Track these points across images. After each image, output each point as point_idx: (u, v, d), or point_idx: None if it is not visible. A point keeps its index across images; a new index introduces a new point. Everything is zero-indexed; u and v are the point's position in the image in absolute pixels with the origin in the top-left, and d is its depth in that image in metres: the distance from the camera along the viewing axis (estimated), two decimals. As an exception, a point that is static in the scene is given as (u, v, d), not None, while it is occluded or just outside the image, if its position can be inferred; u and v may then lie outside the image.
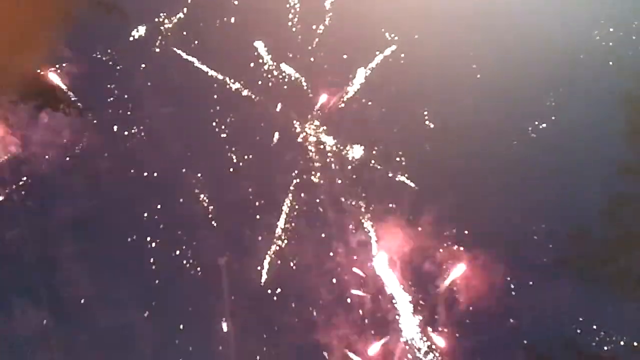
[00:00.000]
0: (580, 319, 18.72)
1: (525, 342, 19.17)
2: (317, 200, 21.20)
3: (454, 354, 19.60)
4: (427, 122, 20.36)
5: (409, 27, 19.79)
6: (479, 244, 19.49)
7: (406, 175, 20.78)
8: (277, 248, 20.66)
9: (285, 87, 21.30)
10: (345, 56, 20.67)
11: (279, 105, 21.30)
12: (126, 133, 20.13)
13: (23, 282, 18.57)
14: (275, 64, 21.22)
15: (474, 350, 19.42)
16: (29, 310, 18.47)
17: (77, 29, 17.11)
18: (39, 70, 16.19)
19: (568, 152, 18.27)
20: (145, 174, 20.29)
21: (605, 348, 18.44)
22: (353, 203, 21.12)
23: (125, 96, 20.15)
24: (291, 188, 21.16)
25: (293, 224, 20.99)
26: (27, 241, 18.23)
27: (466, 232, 19.66)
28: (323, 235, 20.86)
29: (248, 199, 20.88)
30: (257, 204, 20.84)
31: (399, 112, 20.49)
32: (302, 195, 21.10)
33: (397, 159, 20.89)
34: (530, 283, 19.18)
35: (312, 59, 21.10)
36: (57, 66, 17.67)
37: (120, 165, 19.89)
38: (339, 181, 21.17)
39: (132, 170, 20.09)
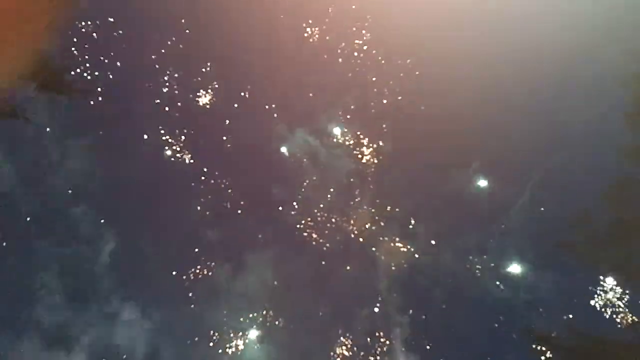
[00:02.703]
0: (582, 303, 18.73)
1: (526, 326, 19.27)
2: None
3: (455, 340, 19.76)
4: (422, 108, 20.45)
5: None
6: (481, 230, 19.57)
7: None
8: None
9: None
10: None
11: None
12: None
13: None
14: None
15: (476, 335, 19.57)
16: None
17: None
18: (40, 51, 16.24)
19: (570, 135, 18.06)
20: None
21: (607, 331, 18.42)
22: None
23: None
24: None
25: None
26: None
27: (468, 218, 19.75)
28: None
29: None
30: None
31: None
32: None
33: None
34: (532, 268, 19.21)
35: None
36: (60, 46, 17.73)
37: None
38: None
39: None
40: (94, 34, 19.61)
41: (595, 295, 18.91)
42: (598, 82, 17.06)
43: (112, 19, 19.68)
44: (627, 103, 16.52)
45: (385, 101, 21.30)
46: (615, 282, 18.04)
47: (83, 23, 19.26)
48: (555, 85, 18.08)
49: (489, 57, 18.03)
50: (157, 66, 20.60)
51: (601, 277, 18.25)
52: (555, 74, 17.82)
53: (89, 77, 19.07)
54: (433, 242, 20.37)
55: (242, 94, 21.13)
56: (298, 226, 21.56)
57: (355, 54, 21.09)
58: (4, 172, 17.73)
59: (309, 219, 21.44)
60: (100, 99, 19.36)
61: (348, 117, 21.78)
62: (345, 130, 21.72)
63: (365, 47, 20.97)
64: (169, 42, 20.66)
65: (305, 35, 21.12)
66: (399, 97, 20.85)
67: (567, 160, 18.53)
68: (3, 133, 17.75)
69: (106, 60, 19.97)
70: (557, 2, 17.55)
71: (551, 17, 17.30)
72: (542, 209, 19.01)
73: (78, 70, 18.61)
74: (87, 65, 19.26)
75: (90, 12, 19.26)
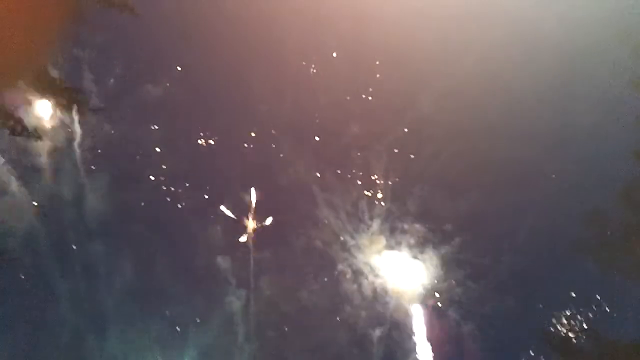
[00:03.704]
0: (598, 304, 18.69)
1: (543, 327, 19.16)
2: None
3: (473, 338, 19.67)
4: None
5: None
6: (499, 230, 19.58)
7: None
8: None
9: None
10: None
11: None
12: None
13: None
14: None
15: (491, 336, 19.49)
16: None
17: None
18: (51, 70, 16.09)
19: (584, 136, 18.13)
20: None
21: (623, 333, 18.32)
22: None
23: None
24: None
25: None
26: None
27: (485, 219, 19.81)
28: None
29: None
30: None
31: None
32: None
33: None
34: (549, 269, 19.21)
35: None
36: (70, 66, 17.63)
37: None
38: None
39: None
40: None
41: (607, 297, 18.87)
42: (610, 83, 17.15)
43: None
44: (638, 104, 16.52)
45: (396, 150, 21.48)
46: (627, 283, 17.98)
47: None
48: (566, 86, 18.22)
49: (502, 65, 18.21)
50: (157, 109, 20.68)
51: (614, 278, 18.22)
52: (567, 76, 17.93)
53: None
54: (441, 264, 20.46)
55: (250, 133, 21.24)
56: (307, 253, 21.61)
57: (363, 95, 21.19)
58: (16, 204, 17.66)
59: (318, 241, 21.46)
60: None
61: (358, 154, 21.88)
62: (355, 169, 21.86)
63: (370, 89, 21.09)
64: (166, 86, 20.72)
65: (311, 74, 21.21)
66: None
67: (578, 160, 18.63)
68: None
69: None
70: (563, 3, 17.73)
71: (558, 18, 17.47)
72: (554, 209, 19.09)
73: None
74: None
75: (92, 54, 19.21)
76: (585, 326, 18.86)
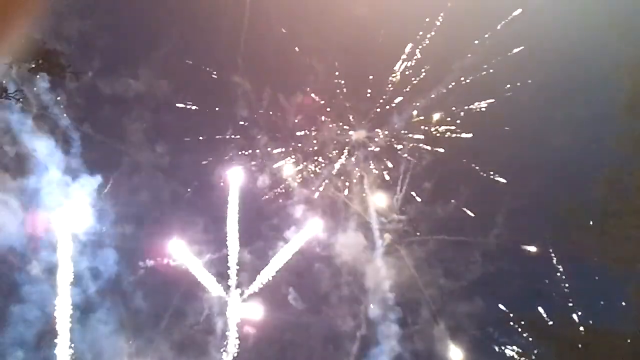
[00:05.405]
0: (574, 291, 18.90)
1: (517, 315, 19.38)
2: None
3: (451, 330, 19.81)
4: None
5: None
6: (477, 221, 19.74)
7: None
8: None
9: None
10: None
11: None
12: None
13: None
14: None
15: (466, 325, 19.67)
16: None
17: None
18: (34, 33, 15.70)
19: (569, 124, 18.18)
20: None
21: (597, 320, 18.57)
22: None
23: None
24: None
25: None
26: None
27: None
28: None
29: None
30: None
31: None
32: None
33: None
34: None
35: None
36: (54, 30, 17.23)
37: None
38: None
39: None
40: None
41: (592, 286, 19.00)
42: (597, 72, 17.19)
43: None
44: (625, 93, 16.58)
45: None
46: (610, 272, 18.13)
47: None
48: (554, 75, 18.26)
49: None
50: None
51: (596, 266, 18.42)
52: (557, 64, 17.98)
53: None
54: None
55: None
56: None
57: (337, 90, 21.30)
58: None
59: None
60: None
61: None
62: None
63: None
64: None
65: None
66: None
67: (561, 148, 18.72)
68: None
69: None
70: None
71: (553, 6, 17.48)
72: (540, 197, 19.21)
73: None
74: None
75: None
76: (571, 315, 19.02)
